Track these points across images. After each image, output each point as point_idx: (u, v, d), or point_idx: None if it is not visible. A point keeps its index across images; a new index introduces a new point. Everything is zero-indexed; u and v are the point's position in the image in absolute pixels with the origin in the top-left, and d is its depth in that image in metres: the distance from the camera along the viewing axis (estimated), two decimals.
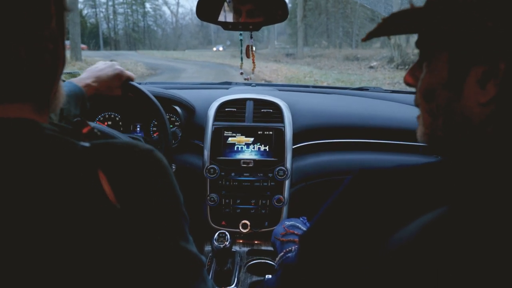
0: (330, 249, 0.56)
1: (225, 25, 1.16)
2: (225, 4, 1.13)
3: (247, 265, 1.43)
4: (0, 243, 0.45)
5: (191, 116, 1.62)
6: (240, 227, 1.50)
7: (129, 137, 1.28)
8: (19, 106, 0.52)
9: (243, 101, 1.61)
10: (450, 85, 0.51)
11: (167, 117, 1.58)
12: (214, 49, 35.15)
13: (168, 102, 1.55)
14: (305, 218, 1.23)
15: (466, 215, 0.43)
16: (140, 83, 1.90)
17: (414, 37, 0.60)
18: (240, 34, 1.23)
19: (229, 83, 2.07)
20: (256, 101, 1.61)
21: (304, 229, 1.17)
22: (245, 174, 1.51)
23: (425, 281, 0.41)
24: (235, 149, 1.53)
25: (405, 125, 1.60)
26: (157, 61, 19.34)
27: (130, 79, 1.25)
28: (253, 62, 1.26)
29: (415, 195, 0.50)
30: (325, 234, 0.58)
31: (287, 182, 1.50)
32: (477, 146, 0.51)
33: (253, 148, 1.53)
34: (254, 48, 1.26)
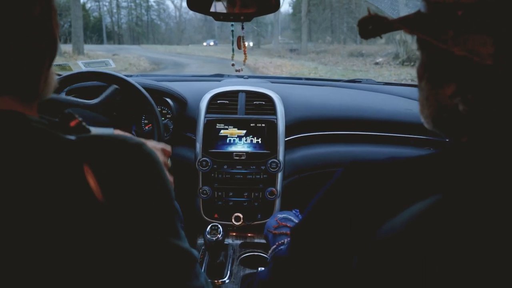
0: (321, 241, 0.56)
1: (216, 16, 1.14)
2: None
3: (240, 257, 1.42)
4: None
5: (183, 109, 1.61)
6: (233, 220, 1.50)
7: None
8: (5, 99, 0.51)
9: (235, 93, 1.60)
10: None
11: (159, 109, 1.56)
12: (205, 44, 34.27)
13: (160, 94, 1.53)
14: (298, 210, 1.23)
15: (459, 204, 0.43)
16: (131, 76, 1.89)
17: None
18: (232, 25, 1.21)
19: (221, 75, 2.05)
20: (249, 93, 1.59)
21: (297, 221, 1.17)
22: (237, 167, 1.51)
23: (415, 270, 0.41)
24: (228, 141, 1.52)
25: (397, 117, 1.60)
26: (160, 55, 19.06)
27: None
28: (245, 54, 1.24)
29: (406, 186, 0.50)
30: (316, 226, 0.58)
31: (279, 175, 1.50)
32: (464, 146, 0.51)
33: (246, 140, 1.52)
34: (246, 40, 1.24)
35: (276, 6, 1.06)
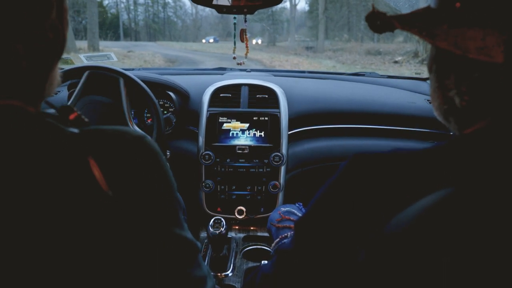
0: (325, 234, 0.56)
1: (219, 9, 1.14)
2: None
3: (243, 251, 1.43)
4: None
5: (185, 102, 1.60)
6: (236, 213, 1.50)
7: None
8: (11, 102, 0.51)
9: (238, 86, 1.59)
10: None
11: (161, 103, 1.56)
12: (204, 41, 33.19)
13: (162, 88, 1.53)
14: (301, 204, 1.23)
15: (472, 197, 0.42)
16: (133, 69, 1.89)
17: None
18: (234, 18, 1.21)
19: (224, 69, 2.05)
20: (251, 87, 1.59)
21: (300, 215, 1.16)
22: (240, 160, 1.50)
23: (426, 266, 0.41)
24: (230, 135, 1.52)
25: (401, 110, 1.60)
26: (175, 52, 18.79)
27: None
28: (247, 47, 1.24)
29: (412, 179, 0.49)
30: (321, 219, 0.57)
31: (282, 168, 1.50)
32: (473, 136, 0.51)
33: (249, 134, 1.52)
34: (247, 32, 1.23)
35: None
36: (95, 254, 0.48)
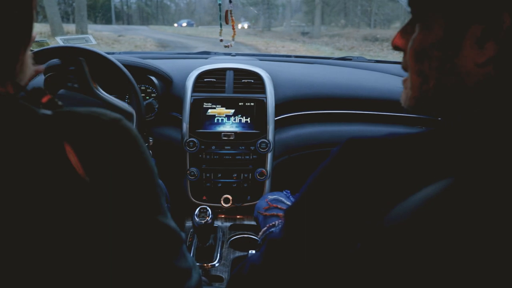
0: (318, 223, 0.53)
1: None
2: None
3: (230, 240, 1.40)
4: None
5: (168, 87, 1.54)
6: (222, 202, 1.46)
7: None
8: None
9: (223, 71, 1.54)
10: (445, 45, 0.48)
11: (143, 88, 1.50)
12: (175, 25, 31.56)
13: (144, 72, 1.47)
14: (289, 191, 1.20)
15: (475, 188, 0.39)
16: (113, 53, 1.81)
17: None
18: None
19: (208, 53, 1.98)
20: (237, 71, 1.54)
21: (288, 203, 1.14)
22: (226, 147, 1.46)
23: (430, 257, 0.38)
24: (215, 121, 1.47)
25: (390, 95, 1.57)
26: (168, 37, 18.10)
27: None
28: (233, 29, 1.19)
29: (412, 166, 0.46)
30: (312, 207, 0.54)
31: (269, 155, 1.46)
32: (472, 109, 0.48)
33: (234, 120, 1.47)
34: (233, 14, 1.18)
35: None
36: (73, 242, 0.45)
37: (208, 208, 1.24)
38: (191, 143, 1.44)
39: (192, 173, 1.46)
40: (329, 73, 1.74)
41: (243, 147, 1.46)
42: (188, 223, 1.49)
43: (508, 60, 0.44)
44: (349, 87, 1.60)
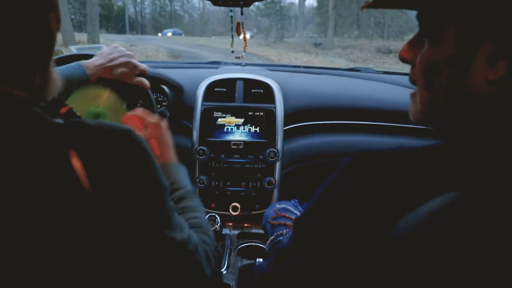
0: (326, 234, 0.54)
1: (215, 1, 1.11)
2: None
3: (238, 248, 1.41)
4: None
5: (179, 96, 1.57)
6: (230, 210, 1.48)
7: None
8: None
9: (233, 81, 1.56)
10: (456, 61, 0.49)
11: (155, 97, 1.53)
12: (160, 34, 29.81)
13: (155, 81, 1.50)
14: (296, 200, 1.21)
15: (481, 202, 0.40)
16: None
17: None
18: (230, 11, 1.18)
19: (218, 63, 2.01)
20: (247, 81, 1.56)
21: (296, 212, 1.15)
22: (235, 156, 1.48)
23: (436, 269, 0.39)
24: (225, 130, 1.49)
25: (398, 106, 1.58)
26: (180, 47, 18.10)
27: (143, 72, 1.19)
28: (245, 40, 1.21)
29: (420, 178, 0.47)
30: (321, 218, 0.55)
31: (278, 164, 1.48)
32: (481, 125, 0.48)
33: (244, 129, 1.49)
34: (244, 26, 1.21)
35: None
36: (70, 250, 0.45)
37: (217, 216, 1.25)
38: (200, 151, 1.47)
39: (201, 181, 1.47)
40: (337, 84, 1.76)
41: (252, 156, 1.48)
42: None
43: None
44: (357, 98, 1.62)
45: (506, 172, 0.43)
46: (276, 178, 1.47)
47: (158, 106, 1.52)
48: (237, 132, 1.49)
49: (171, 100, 1.52)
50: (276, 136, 1.47)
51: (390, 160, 0.50)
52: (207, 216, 1.25)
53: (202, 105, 1.50)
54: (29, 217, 0.43)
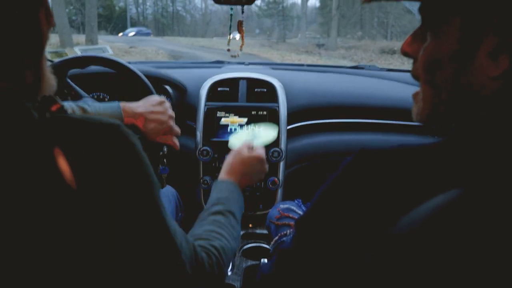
0: (328, 234, 0.53)
1: None
2: None
3: (242, 249, 1.40)
4: None
5: (182, 96, 1.57)
6: None
7: None
8: None
9: (236, 80, 1.56)
10: (459, 56, 0.48)
11: None
12: (120, 34, 27.09)
13: (159, 81, 1.49)
14: (300, 200, 1.20)
15: (483, 199, 0.39)
16: (129, 62, 1.84)
17: None
18: (231, 9, 1.17)
19: (221, 62, 2.01)
20: (250, 81, 1.55)
21: (299, 212, 1.14)
22: None
23: (440, 265, 0.38)
24: (229, 130, 1.49)
25: (402, 104, 1.56)
26: (181, 48, 17.85)
27: (176, 134, 1.12)
28: (242, 39, 1.20)
29: (422, 176, 0.47)
30: (323, 218, 0.54)
31: (281, 164, 1.47)
32: (483, 116, 0.47)
33: (247, 129, 1.48)
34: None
35: None
36: (56, 249, 0.44)
37: None
38: (204, 152, 1.46)
39: (205, 182, 1.47)
40: (341, 82, 1.75)
41: None
42: None
43: None
44: (361, 96, 1.60)
45: (506, 165, 0.42)
46: (280, 178, 1.46)
47: None
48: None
49: (175, 100, 1.51)
50: (280, 136, 1.46)
51: (392, 159, 0.50)
52: None
53: (205, 105, 1.50)
54: (12, 214, 0.43)
